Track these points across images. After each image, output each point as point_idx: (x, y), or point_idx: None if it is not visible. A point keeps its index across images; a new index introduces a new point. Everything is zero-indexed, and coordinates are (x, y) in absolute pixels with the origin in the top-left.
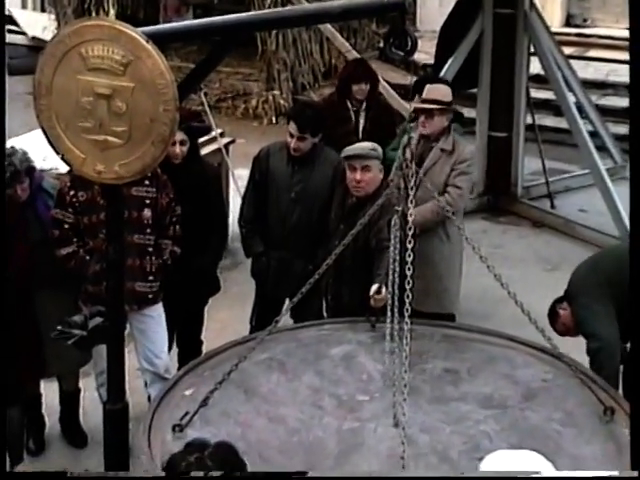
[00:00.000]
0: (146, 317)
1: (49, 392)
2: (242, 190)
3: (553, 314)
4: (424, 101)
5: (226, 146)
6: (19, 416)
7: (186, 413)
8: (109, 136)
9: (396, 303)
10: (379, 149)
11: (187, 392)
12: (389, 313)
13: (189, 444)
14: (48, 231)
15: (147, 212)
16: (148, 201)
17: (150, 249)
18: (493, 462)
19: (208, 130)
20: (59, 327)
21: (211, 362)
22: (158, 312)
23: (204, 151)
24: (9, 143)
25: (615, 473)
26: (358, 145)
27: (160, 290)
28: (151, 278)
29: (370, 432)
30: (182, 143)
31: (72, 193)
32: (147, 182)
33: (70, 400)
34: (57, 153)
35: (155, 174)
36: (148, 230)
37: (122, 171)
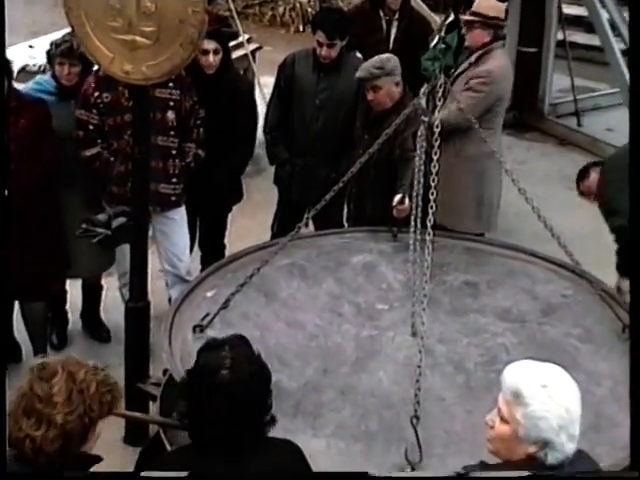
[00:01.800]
0: (169, 220)
1: (73, 290)
2: (267, 97)
3: (584, 173)
4: (470, 13)
5: (253, 53)
6: (43, 310)
7: (207, 314)
8: (138, 36)
9: (419, 213)
10: (389, 64)
11: (209, 294)
12: (412, 224)
13: (209, 345)
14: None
15: (171, 114)
16: (172, 103)
17: (174, 151)
18: (516, 370)
19: (235, 36)
20: (84, 225)
21: (233, 265)
22: (180, 215)
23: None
24: (38, 39)
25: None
26: (364, 66)
27: (183, 193)
28: (174, 180)
29: (388, 340)
30: (215, 52)
31: (97, 94)
32: (171, 84)
33: (92, 296)
34: (86, 51)
35: (179, 76)
36: (172, 132)
37: (150, 72)
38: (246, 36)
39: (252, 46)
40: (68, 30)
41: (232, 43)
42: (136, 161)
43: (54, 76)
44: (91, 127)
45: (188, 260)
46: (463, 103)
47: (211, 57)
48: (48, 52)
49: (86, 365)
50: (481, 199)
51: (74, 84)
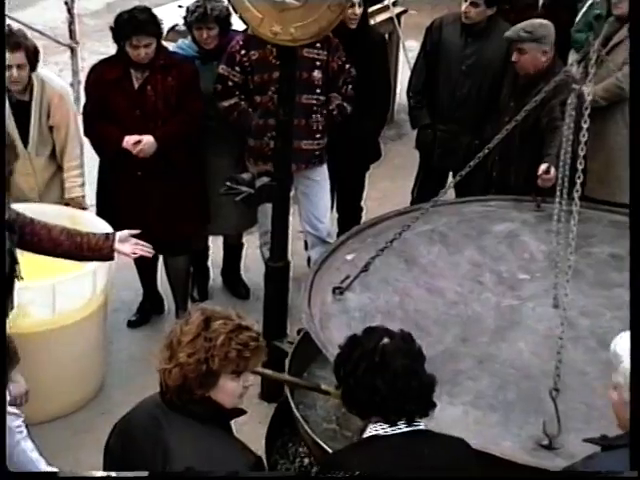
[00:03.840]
0: (311, 181)
1: (215, 247)
2: (412, 61)
3: None
4: None
5: (398, 16)
6: (185, 265)
7: (347, 277)
8: None
9: (565, 184)
10: (539, 30)
11: (348, 257)
12: (557, 193)
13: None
14: None
15: (317, 73)
16: (319, 63)
17: (316, 107)
18: (616, 338)
19: None
20: (227, 183)
21: (374, 229)
22: (323, 176)
23: (375, 20)
24: None
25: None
26: (515, 27)
27: (325, 150)
28: (318, 136)
29: (529, 311)
30: (359, 5)
31: (243, 53)
32: (318, 44)
33: (233, 254)
34: (235, 12)
35: (326, 37)
36: (317, 90)
37: (298, 33)
38: None
39: (397, 9)
40: None
41: (377, 6)
42: (280, 122)
43: (194, 40)
44: (230, 83)
45: (329, 222)
46: None
47: (357, 9)
48: (185, 18)
49: (232, 319)
50: None
51: (214, 46)
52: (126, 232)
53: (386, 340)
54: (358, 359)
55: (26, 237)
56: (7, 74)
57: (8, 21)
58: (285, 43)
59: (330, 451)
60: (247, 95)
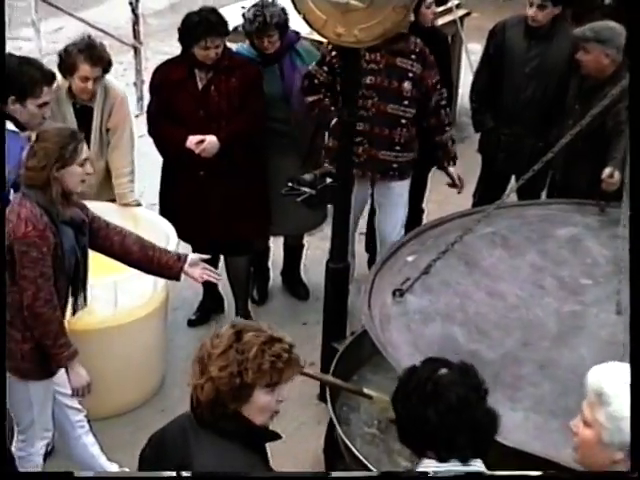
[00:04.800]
0: (389, 192)
1: (275, 247)
2: (474, 64)
3: None
4: None
5: (461, 19)
6: (246, 266)
7: (407, 279)
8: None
9: None
10: (605, 33)
11: (409, 258)
12: (623, 198)
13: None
14: (286, 89)
15: (407, 85)
16: (411, 74)
17: (403, 121)
18: (600, 370)
19: (444, 0)
20: (289, 184)
21: (435, 231)
22: (400, 191)
23: (438, 22)
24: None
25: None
26: (586, 26)
27: (409, 164)
28: (397, 148)
29: (591, 316)
30: (428, 6)
31: (334, 54)
32: (414, 56)
33: (293, 255)
34: (299, 13)
35: (423, 52)
36: (405, 102)
37: (362, 35)
38: (455, 1)
39: (460, 12)
40: None
41: (440, 8)
42: (344, 123)
43: (253, 45)
44: (316, 81)
45: (396, 237)
46: None
47: (434, 7)
48: (243, 27)
49: (263, 331)
50: None
51: (275, 50)
52: (197, 256)
53: (443, 371)
54: (413, 389)
55: (99, 240)
56: (82, 85)
57: (88, 29)
58: (349, 45)
59: (360, 456)
60: (333, 94)
